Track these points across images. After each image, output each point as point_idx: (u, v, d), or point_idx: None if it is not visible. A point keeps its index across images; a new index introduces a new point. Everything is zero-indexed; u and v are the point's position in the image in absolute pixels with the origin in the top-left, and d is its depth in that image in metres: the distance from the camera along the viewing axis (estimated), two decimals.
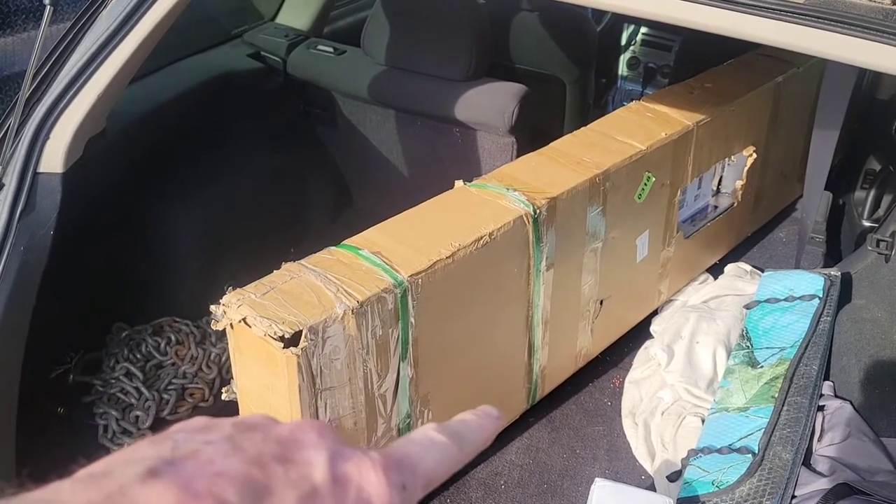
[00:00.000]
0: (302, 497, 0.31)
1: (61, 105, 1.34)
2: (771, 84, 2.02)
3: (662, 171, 1.70)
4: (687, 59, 2.73)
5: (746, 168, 2.05)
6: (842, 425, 1.51)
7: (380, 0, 2.09)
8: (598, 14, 2.99)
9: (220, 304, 1.16)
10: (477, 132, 2.03)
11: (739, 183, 2.08)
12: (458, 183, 1.50)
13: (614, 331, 1.81)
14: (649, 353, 1.78)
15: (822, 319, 1.72)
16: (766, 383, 1.58)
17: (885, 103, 2.31)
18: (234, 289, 1.18)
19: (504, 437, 1.60)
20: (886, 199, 2.27)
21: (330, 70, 2.23)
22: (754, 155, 2.03)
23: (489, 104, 1.98)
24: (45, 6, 1.27)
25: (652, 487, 1.51)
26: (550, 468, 1.56)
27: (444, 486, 1.49)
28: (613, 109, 2.31)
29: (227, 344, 1.24)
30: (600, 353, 1.79)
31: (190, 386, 1.78)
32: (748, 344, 1.70)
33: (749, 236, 2.24)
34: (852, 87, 1.87)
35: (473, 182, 1.50)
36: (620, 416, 1.68)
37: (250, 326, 1.12)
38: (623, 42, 3.10)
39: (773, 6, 1.04)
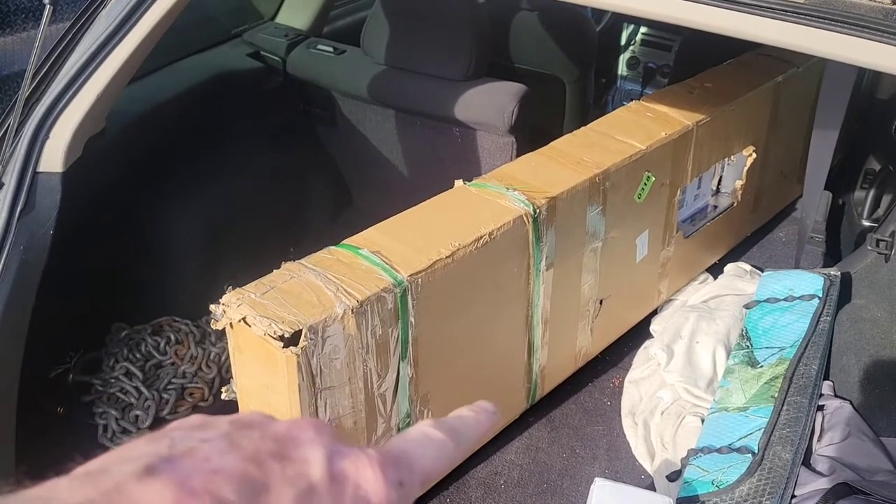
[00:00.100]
0: (299, 494, 0.31)
1: (61, 104, 1.34)
2: (771, 84, 2.02)
3: (662, 170, 1.70)
4: (687, 59, 2.73)
5: (746, 168, 2.05)
6: (841, 425, 1.51)
7: (379, 0, 2.09)
8: (598, 14, 2.99)
9: (219, 303, 1.16)
10: (477, 132, 2.03)
11: (739, 183, 2.07)
12: (458, 182, 1.49)
13: (614, 330, 1.81)
14: (649, 352, 1.78)
15: (821, 319, 1.72)
16: (765, 383, 1.58)
17: (885, 103, 2.30)
18: (233, 288, 1.18)
19: (504, 437, 1.59)
20: (886, 199, 2.26)
21: (330, 70, 2.22)
22: (754, 155, 2.03)
23: (489, 104, 1.98)
24: (44, 6, 1.27)
25: (652, 487, 1.51)
26: (550, 468, 1.56)
27: (444, 486, 1.49)
28: (613, 109, 2.30)
29: (226, 343, 1.24)
30: (600, 353, 1.79)
31: (189, 385, 1.78)
32: (748, 344, 1.70)
33: (749, 236, 2.23)
34: (852, 86, 1.87)
35: (473, 182, 1.50)
36: (620, 415, 1.68)
37: (250, 326, 1.12)
38: (623, 42, 3.09)
39: (774, 6, 1.03)
